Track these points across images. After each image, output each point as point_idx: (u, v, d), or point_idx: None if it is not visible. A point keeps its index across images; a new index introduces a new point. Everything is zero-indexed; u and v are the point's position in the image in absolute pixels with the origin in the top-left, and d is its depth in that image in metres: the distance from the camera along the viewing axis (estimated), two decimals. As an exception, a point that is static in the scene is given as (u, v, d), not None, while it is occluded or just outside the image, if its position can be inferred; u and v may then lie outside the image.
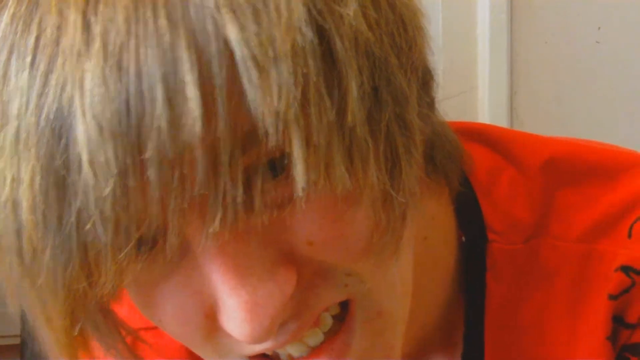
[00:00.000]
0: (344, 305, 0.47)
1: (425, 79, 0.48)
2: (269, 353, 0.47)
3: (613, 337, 0.54)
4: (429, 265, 0.56)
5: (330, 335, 0.47)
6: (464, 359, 0.57)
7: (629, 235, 0.54)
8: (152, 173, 0.38)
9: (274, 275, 0.42)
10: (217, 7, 0.38)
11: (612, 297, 0.53)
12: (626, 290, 0.53)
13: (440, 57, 1.68)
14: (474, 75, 1.73)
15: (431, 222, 0.55)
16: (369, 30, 0.41)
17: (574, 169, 0.57)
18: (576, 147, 0.59)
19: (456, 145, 0.55)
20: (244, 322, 0.42)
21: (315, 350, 0.47)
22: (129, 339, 0.51)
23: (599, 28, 1.79)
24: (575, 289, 0.55)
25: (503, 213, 0.56)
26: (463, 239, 0.57)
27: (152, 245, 0.42)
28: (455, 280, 0.58)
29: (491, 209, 0.57)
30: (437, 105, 0.52)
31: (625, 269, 0.53)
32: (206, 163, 0.38)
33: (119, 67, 0.38)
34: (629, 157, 0.58)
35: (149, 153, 0.38)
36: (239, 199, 0.39)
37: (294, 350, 0.47)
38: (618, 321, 0.54)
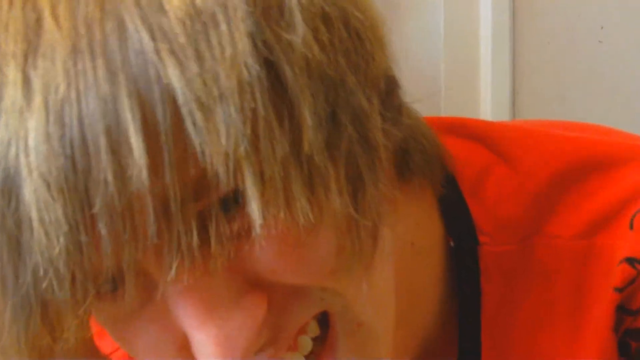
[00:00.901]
0: (323, 327, 0.47)
1: (388, 89, 0.47)
2: None
3: (616, 327, 0.53)
4: (420, 271, 0.55)
5: (313, 358, 0.47)
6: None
7: (631, 227, 0.53)
8: (102, 227, 0.38)
9: (241, 304, 0.42)
10: (157, 51, 0.38)
11: (618, 290, 0.52)
12: (632, 282, 0.52)
13: (442, 57, 1.68)
14: (477, 75, 1.73)
15: (416, 227, 0.54)
16: (321, 53, 0.40)
17: (568, 165, 0.55)
18: (570, 141, 0.57)
19: (435, 145, 0.54)
20: (217, 356, 0.41)
21: None
22: None
23: (602, 28, 1.79)
24: (577, 285, 0.53)
25: (493, 213, 0.55)
26: (452, 243, 0.55)
27: (113, 289, 0.42)
28: (448, 285, 0.56)
29: (480, 209, 0.55)
30: (406, 108, 0.50)
31: (630, 261, 0.52)
32: (157, 212, 0.38)
33: (62, 122, 0.37)
34: (628, 149, 0.56)
35: (98, 207, 0.38)
36: (194, 245, 0.39)
37: None
38: (621, 309, 0.53)
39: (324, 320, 0.47)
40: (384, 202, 0.44)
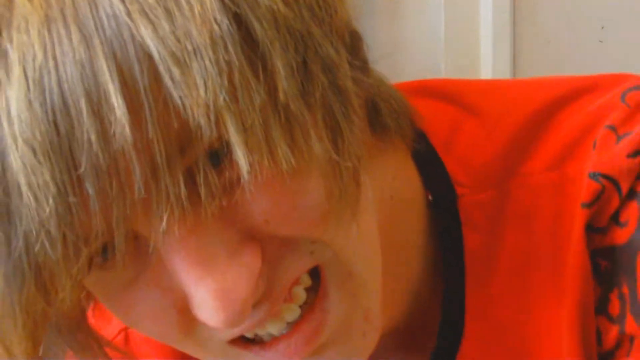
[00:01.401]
0: (315, 277, 0.48)
1: (353, 43, 0.49)
2: (250, 336, 0.48)
3: (588, 247, 0.53)
4: (401, 224, 0.56)
5: (307, 307, 0.48)
6: (445, 316, 0.57)
7: (593, 147, 0.53)
8: (89, 186, 0.39)
9: (238, 256, 0.43)
10: (128, 13, 0.39)
11: (586, 205, 0.53)
12: (598, 197, 0.52)
13: (442, 56, 1.68)
14: (477, 75, 1.73)
15: (393, 181, 0.56)
16: (286, 7, 0.42)
17: (534, 107, 0.56)
18: (532, 85, 0.59)
19: (402, 104, 0.56)
20: (217, 309, 0.42)
21: (296, 323, 0.48)
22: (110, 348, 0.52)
23: (602, 28, 1.79)
24: (554, 216, 0.54)
25: (467, 164, 0.56)
26: (430, 197, 0.57)
27: (106, 258, 0.43)
28: (431, 239, 0.58)
29: (454, 162, 0.57)
30: (371, 68, 0.52)
31: (594, 175, 0.53)
32: (142, 168, 0.39)
33: (42, 89, 0.39)
34: (590, 80, 0.57)
35: (83, 167, 0.39)
36: (183, 196, 0.40)
37: (273, 328, 0.47)
38: (590, 228, 0.53)
39: (315, 273, 0.48)
40: (361, 146, 0.46)
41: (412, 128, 0.56)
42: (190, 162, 0.41)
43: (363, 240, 0.48)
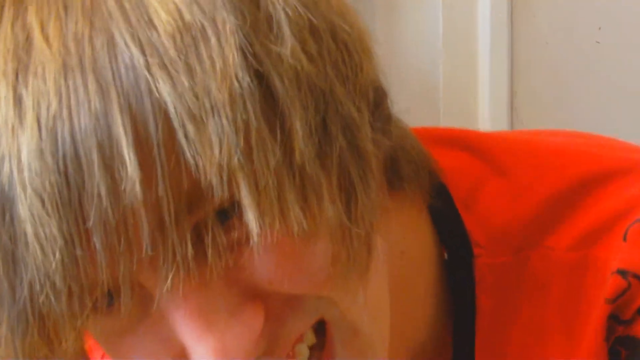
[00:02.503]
0: (320, 334, 0.47)
1: (377, 100, 0.47)
2: None
3: (608, 336, 0.53)
4: (411, 281, 0.55)
5: None
6: None
7: (624, 239, 0.52)
8: (97, 240, 0.39)
9: (240, 315, 0.42)
10: (147, 65, 0.38)
11: (609, 301, 0.52)
12: (622, 294, 0.52)
13: (440, 57, 1.68)
14: (475, 75, 1.73)
15: (406, 237, 0.54)
16: (310, 64, 0.41)
17: (566, 181, 0.55)
18: (567, 154, 0.57)
19: (422, 155, 0.54)
20: None
21: None
22: None
23: (600, 28, 1.79)
24: (570, 297, 0.53)
25: (488, 225, 0.55)
26: (445, 255, 0.55)
27: (110, 303, 0.43)
28: (442, 297, 0.56)
29: (474, 221, 0.55)
30: (395, 117, 0.51)
31: (623, 273, 0.52)
32: (151, 225, 0.39)
33: (54, 138, 0.38)
34: (626, 162, 0.56)
35: (92, 221, 0.38)
36: (190, 256, 0.40)
37: None
38: (613, 318, 0.52)
39: (320, 328, 0.47)
40: (376, 211, 0.45)
41: (431, 182, 0.54)
42: (198, 219, 0.40)
43: (372, 300, 0.47)
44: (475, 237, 0.55)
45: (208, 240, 0.40)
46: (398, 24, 1.71)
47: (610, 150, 0.58)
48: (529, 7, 1.75)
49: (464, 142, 0.58)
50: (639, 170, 0.55)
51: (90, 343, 0.50)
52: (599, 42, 1.79)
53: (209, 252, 0.41)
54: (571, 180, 0.55)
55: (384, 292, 0.49)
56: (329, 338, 0.47)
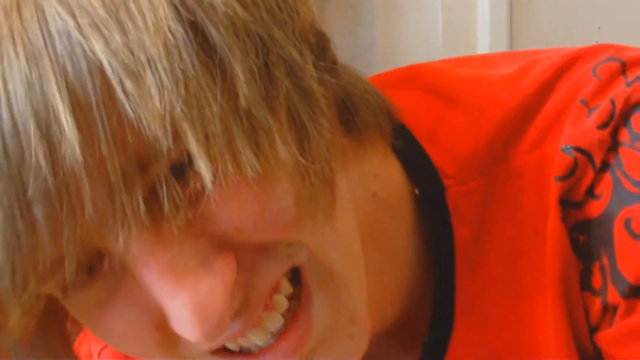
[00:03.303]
0: (296, 284, 0.47)
1: (319, 44, 0.48)
2: (234, 348, 0.47)
3: (564, 219, 0.53)
4: (387, 223, 0.55)
5: (291, 315, 0.47)
6: (435, 310, 0.56)
7: (568, 123, 0.53)
8: (38, 211, 0.38)
9: (211, 267, 0.42)
10: (79, 27, 0.38)
11: (559, 179, 0.52)
12: (571, 172, 0.52)
13: (440, 56, 1.68)
14: (474, 74, 1.73)
15: (375, 179, 0.55)
16: (245, 11, 0.41)
17: (514, 95, 0.56)
18: (514, 76, 0.57)
19: (379, 99, 0.55)
20: (194, 324, 0.42)
21: (281, 332, 0.47)
22: None
23: (599, 28, 1.79)
24: (537, 195, 0.54)
25: (453, 155, 0.56)
26: (416, 191, 0.56)
27: (84, 278, 0.43)
28: (420, 235, 0.57)
29: (440, 154, 0.56)
30: (344, 65, 0.51)
31: (565, 149, 0.53)
32: (95, 188, 0.39)
33: None
34: (570, 55, 0.57)
35: (31, 191, 0.38)
36: (142, 212, 0.39)
37: (257, 339, 0.47)
38: (566, 203, 0.53)
39: (295, 278, 0.47)
40: (331, 148, 0.45)
41: (391, 124, 0.56)
42: (153, 177, 0.40)
43: (341, 240, 0.48)
44: (443, 169, 0.56)
45: (163, 194, 0.40)
46: (398, 24, 1.71)
47: (557, 51, 0.60)
48: (528, 6, 1.76)
49: (419, 80, 0.59)
50: (581, 58, 0.57)
51: (82, 337, 0.50)
52: (598, 42, 1.80)
53: (165, 205, 0.40)
54: (521, 95, 0.56)
55: (353, 234, 0.50)
56: (305, 284, 0.47)
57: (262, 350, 0.47)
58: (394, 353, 0.60)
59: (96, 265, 0.43)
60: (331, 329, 0.48)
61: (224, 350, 0.47)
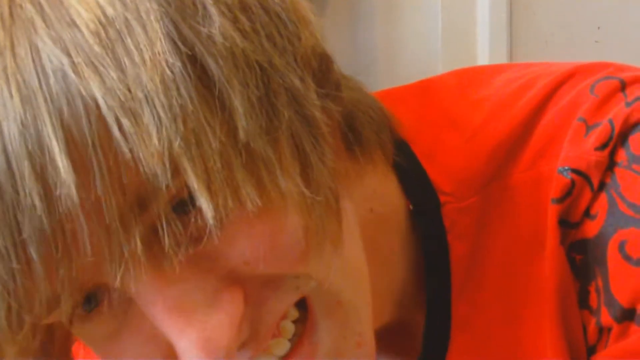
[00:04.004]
0: (302, 307, 0.47)
1: (322, 67, 0.47)
2: None
3: (563, 242, 0.53)
4: (382, 238, 0.55)
5: (296, 339, 0.47)
6: (429, 326, 0.56)
7: (564, 144, 0.53)
8: (33, 251, 0.38)
9: (218, 303, 0.42)
10: (73, 65, 0.38)
11: (556, 201, 0.52)
12: (568, 193, 0.52)
13: (439, 57, 1.68)
14: (474, 75, 1.73)
15: (373, 195, 0.55)
16: (244, 40, 0.41)
17: (512, 114, 0.55)
18: (513, 95, 0.57)
19: (382, 114, 0.54)
20: (200, 358, 0.41)
21: (284, 357, 0.47)
22: None
23: (599, 28, 1.79)
24: (532, 215, 0.53)
25: (450, 172, 0.56)
26: (410, 207, 0.56)
27: (90, 311, 0.43)
28: (414, 250, 0.57)
29: (438, 171, 0.56)
30: (347, 81, 0.51)
31: (563, 170, 0.52)
32: (91, 228, 0.38)
33: None
34: (565, 73, 0.56)
35: (27, 232, 0.38)
36: (140, 252, 0.39)
37: None
38: (564, 224, 0.52)
39: (302, 302, 0.47)
40: (335, 176, 0.45)
41: (392, 140, 0.55)
42: (153, 214, 0.40)
43: (349, 267, 0.47)
44: (440, 186, 0.55)
45: (163, 231, 0.40)
46: (397, 25, 1.71)
47: (552, 67, 0.59)
48: (528, 6, 1.76)
49: (426, 98, 0.59)
50: (577, 75, 0.56)
51: (75, 349, 0.50)
52: (597, 42, 1.79)
53: (165, 243, 0.40)
54: (517, 114, 0.55)
55: (360, 258, 0.49)
56: (310, 311, 0.47)
57: None
58: None
59: (101, 298, 0.43)
60: (337, 354, 0.48)
61: None
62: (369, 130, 0.53)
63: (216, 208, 0.39)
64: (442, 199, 0.55)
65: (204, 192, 0.39)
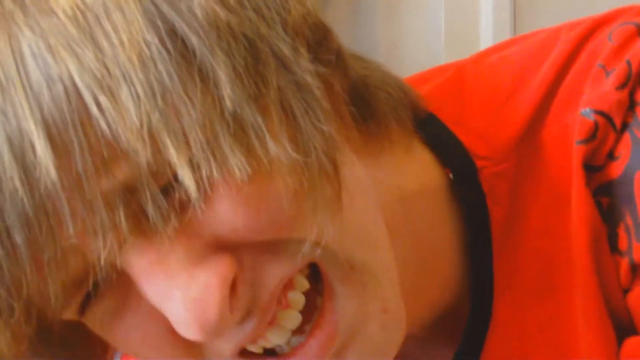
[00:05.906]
0: (317, 280, 0.46)
1: (317, 35, 0.47)
2: (258, 350, 0.47)
3: (588, 183, 0.53)
4: (417, 214, 0.55)
5: (317, 313, 0.47)
6: (475, 294, 0.56)
7: (585, 88, 0.54)
8: (17, 235, 0.38)
9: (204, 265, 0.42)
10: (50, 50, 0.38)
11: (581, 142, 0.52)
12: (593, 135, 0.52)
13: (442, 56, 1.68)
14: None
15: (398, 171, 0.54)
16: (229, 14, 0.41)
17: (545, 81, 0.56)
18: (538, 54, 0.58)
19: (401, 89, 0.55)
20: (189, 321, 0.41)
21: (309, 332, 0.46)
22: None
23: (603, 28, 1.79)
24: (561, 168, 0.54)
25: (482, 135, 0.56)
26: (450, 175, 0.56)
27: (90, 297, 0.43)
28: (454, 220, 0.56)
29: (470, 136, 0.56)
30: (362, 59, 0.52)
31: (585, 112, 0.53)
32: (73, 206, 0.39)
33: None
34: (591, 24, 0.58)
35: (10, 218, 0.38)
36: (124, 228, 0.39)
37: (276, 338, 0.46)
38: (588, 168, 0.53)
39: (316, 275, 0.47)
40: (332, 140, 0.45)
41: (414, 114, 0.55)
42: (135, 190, 0.40)
43: (357, 231, 0.47)
44: (475, 150, 0.56)
45: (148, 206, 0.40)
46: (400, 24, 1.71)
47: (576, 24, 0.60)
48: (531, 6, 1.75)
49: (443, 75, 0.59)
50: (601, 25, 0.57)
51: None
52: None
53: (151, 218, 0.40)
54: (544, 73, 0.56)
55: (373, 222, 0.49)
56: (325, 279, 0.46)
57: (291, 350, 0.46)
58: (429, 345, 0.59)
59: (100, 279, 0.43)
60: (360, 321, 0.47)
61: (253, 354, 0.47)
62: (384, 104, 0.53)
63: (198, 181, 0.40)
64: (479, 163, 0.55)
65: (184, 165, 0.39)
